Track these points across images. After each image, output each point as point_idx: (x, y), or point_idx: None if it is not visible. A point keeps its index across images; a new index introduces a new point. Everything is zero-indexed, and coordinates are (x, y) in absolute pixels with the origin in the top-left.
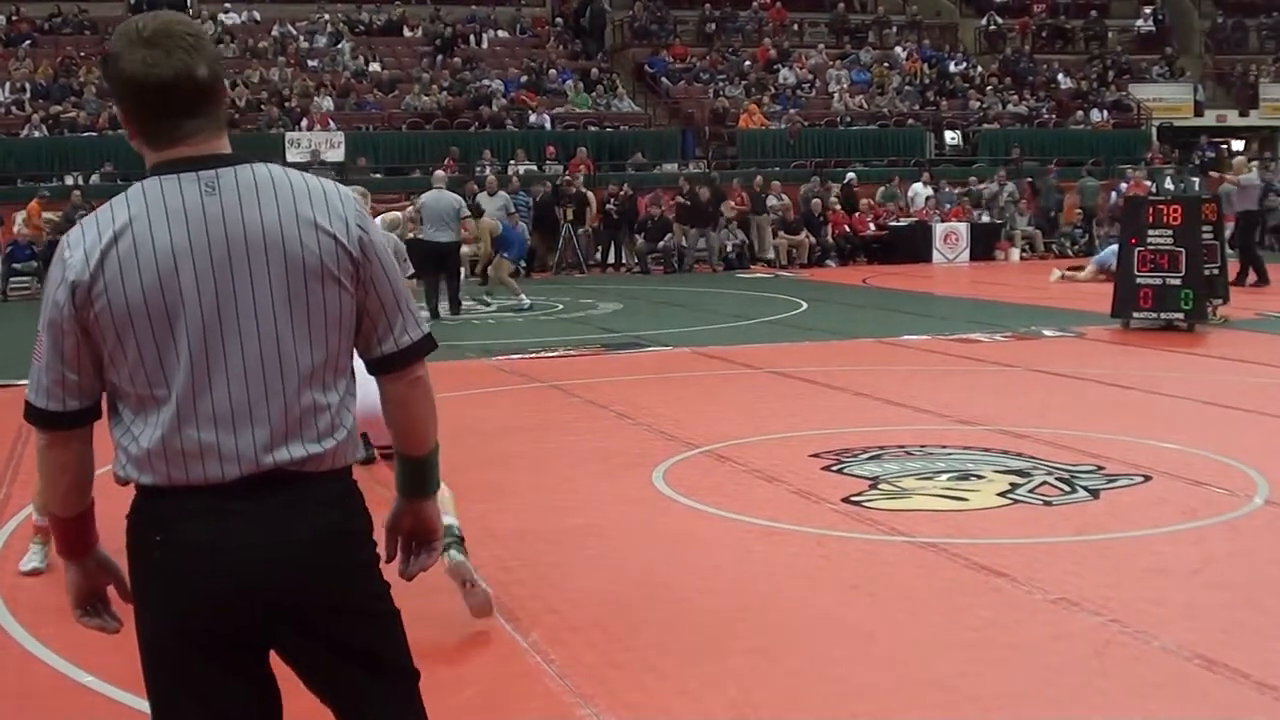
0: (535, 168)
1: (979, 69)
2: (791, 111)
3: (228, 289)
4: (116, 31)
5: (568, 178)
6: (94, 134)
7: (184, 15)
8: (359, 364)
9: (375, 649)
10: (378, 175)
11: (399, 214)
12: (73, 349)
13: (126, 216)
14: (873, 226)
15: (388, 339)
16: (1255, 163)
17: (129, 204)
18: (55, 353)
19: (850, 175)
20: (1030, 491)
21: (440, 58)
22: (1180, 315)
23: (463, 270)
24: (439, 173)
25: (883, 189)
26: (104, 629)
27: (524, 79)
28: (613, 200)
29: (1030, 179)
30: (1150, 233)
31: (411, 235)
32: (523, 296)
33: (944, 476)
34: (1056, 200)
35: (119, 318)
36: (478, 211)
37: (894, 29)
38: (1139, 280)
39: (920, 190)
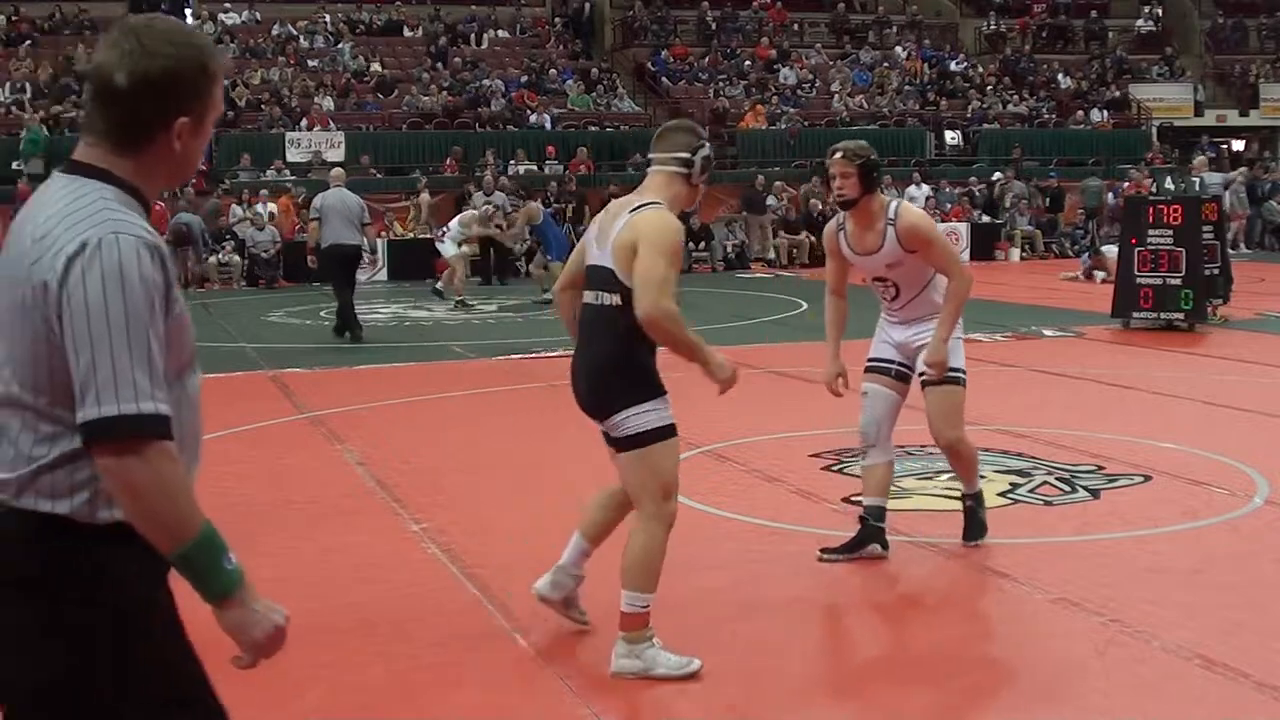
0: (535, 168)
1: (979, 69)
2: (791, 111)
3: None
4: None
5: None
6: None
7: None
8: None
9: None
10: (378, 175)
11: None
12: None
13: None
14: None
15: (81, 405)
16: (1246, 167)
17: None
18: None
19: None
20: (1030, 491)
21: (440, 58)
22: (1180, 315)
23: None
24: (337, 170)
25: None
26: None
27: (524, 79)
28: (613, 200)
29: (1032, 178)
30: (1150, 233)
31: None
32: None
33: (944, 476)
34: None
35: None
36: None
37: (894, 29)
38: (1139, 280)
39: (916, 192)
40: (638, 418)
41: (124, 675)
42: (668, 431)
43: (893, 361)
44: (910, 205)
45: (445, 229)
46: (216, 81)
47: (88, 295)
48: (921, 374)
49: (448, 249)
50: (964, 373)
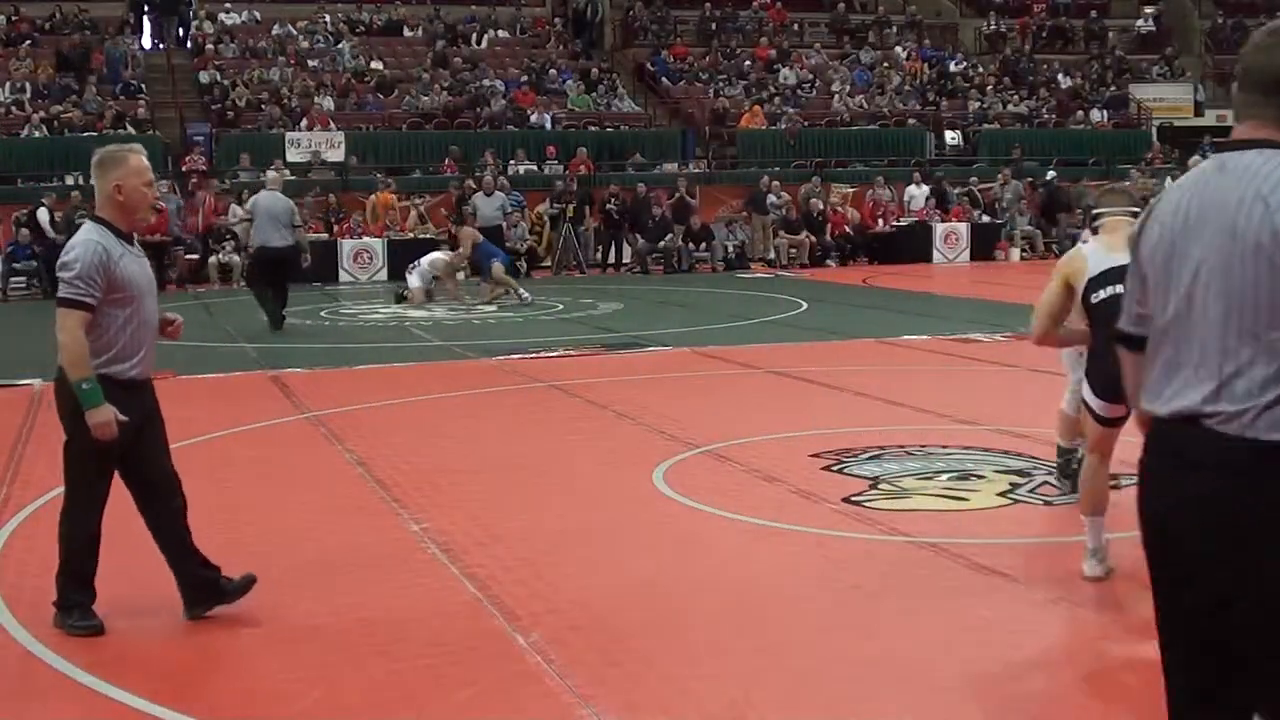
0: (535, 168)
1: (979, 69)
2: (791, 111)
3: (1184, 250)
4: None
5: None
6: (94, 134)
7: None
8: None
9: None
10: (378, 175)
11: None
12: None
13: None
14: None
15: None
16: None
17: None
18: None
19: (1052, 173)
20: (1030, 491)
21: (440, 58)
22: None
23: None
24: (272, 173)
25: (869, 191)
26: None
27: (524, 79)
28: (613, 200)
29: (1031, 178)
30: None
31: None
32: (523, 292)
33: (944, 476)
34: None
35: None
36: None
37: (894, 29)
38: None
39: (916, 192)
40: None
41: None
42: None
43: None
44: None
45: (415, 264)
46: None
47: None
48: None
49: (413, 281)
50: None
